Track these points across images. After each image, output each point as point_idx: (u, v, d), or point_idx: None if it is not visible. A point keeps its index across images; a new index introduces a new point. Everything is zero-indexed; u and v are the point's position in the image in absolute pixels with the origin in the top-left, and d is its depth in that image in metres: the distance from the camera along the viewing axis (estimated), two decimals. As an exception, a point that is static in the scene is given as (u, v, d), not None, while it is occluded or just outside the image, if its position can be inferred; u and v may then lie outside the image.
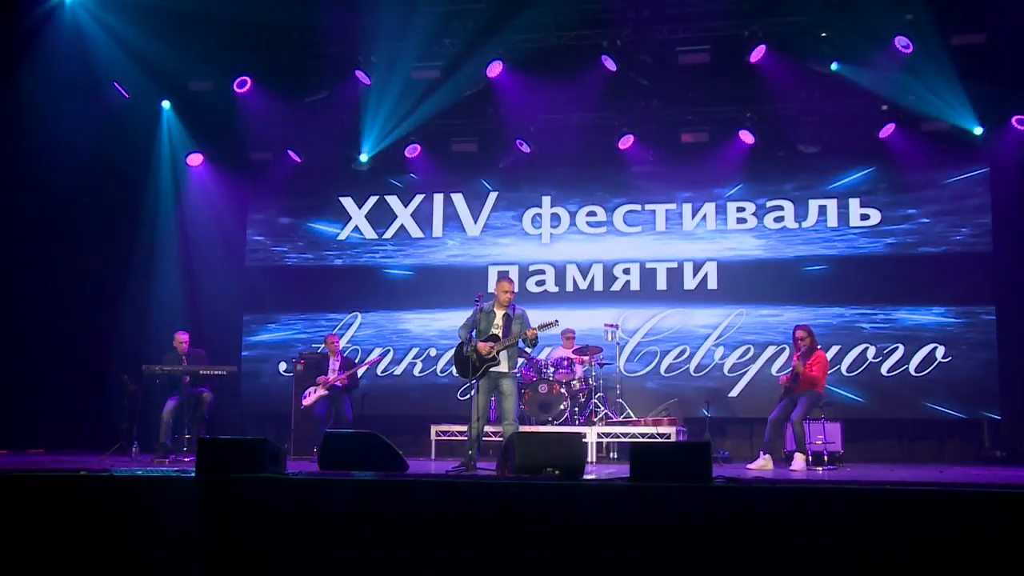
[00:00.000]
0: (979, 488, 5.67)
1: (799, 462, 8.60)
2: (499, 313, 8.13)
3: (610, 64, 10.65)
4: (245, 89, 11.32)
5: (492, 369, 7.96)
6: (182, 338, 10.17)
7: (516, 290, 8.31)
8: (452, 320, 12.17)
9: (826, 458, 8.88)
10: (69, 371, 12.09)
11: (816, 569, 5.30)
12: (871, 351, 11.81)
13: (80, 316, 12.41)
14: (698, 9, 10.14)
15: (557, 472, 6.20)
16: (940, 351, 11.63)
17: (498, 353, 7.91)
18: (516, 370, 8.27)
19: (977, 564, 5.15)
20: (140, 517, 5.97)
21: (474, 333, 8.11)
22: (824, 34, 10.10)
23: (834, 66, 10.35)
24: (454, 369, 8.44)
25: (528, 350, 8.73)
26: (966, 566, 5.17)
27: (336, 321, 13.02)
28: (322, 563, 5.78)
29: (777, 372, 11.61)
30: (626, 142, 11.87)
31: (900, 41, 9.94)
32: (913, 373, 11.68)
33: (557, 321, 8.25)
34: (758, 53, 10.26)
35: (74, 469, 6.58)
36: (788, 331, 11.67)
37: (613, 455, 11.08)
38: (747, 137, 11.66)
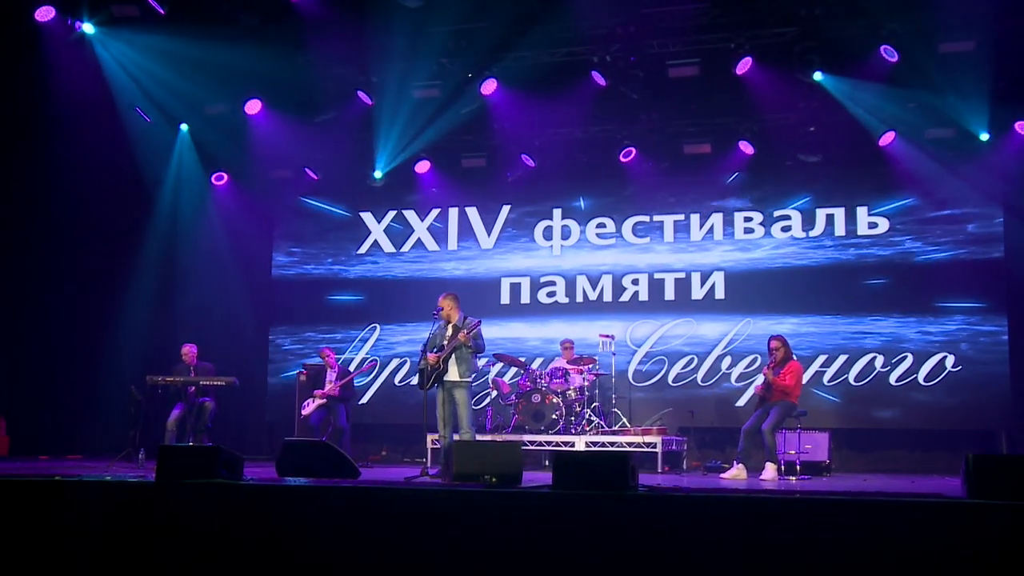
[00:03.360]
0: (897, 498, 5.74)
1: (769, 471, 8.67)
2: (449, 325, 8.49)
3: (599, 79, 10.84)
4: (257, 111, 11.82)
5: (444, 379, 8.31)
6: (188, 350, 10.69)
7: (453, 304, 8.65)
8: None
9: (798, 467, 8.91)
10: (102, 381, 12.77)
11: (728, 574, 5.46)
12: (879, 360, 11.74)
13: (112, 331, 13.12)
14: (685, 23, 10.26)
15: (494, 480, 6.43)
16: (950, 360, 11.50)
17: (444, 362, 8.26)
18: (471, 379, 8.58)
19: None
20: (105, 518, 6.43)
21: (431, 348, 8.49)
22: (811, 44, 10.10)
23: (817, 76, 10.36)
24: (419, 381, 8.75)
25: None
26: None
27: (357, 333, 13.46)
28: (270, 562, 6.15)
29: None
30: (628, 155, 12.04)
31: (886, 50, 9.92)
32: (922, 383, 11.56)
33: (480, 322, 8.58)
34: (744, 65, 10.34)
35: (51, 474, 7.10)
36: (798, 339, 11.81)
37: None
38: (747, 148, 11.72)
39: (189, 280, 13.51)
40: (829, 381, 11.79)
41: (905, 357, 11.66)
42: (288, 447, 7.11)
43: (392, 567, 5.91)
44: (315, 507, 6.23)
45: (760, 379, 9.22)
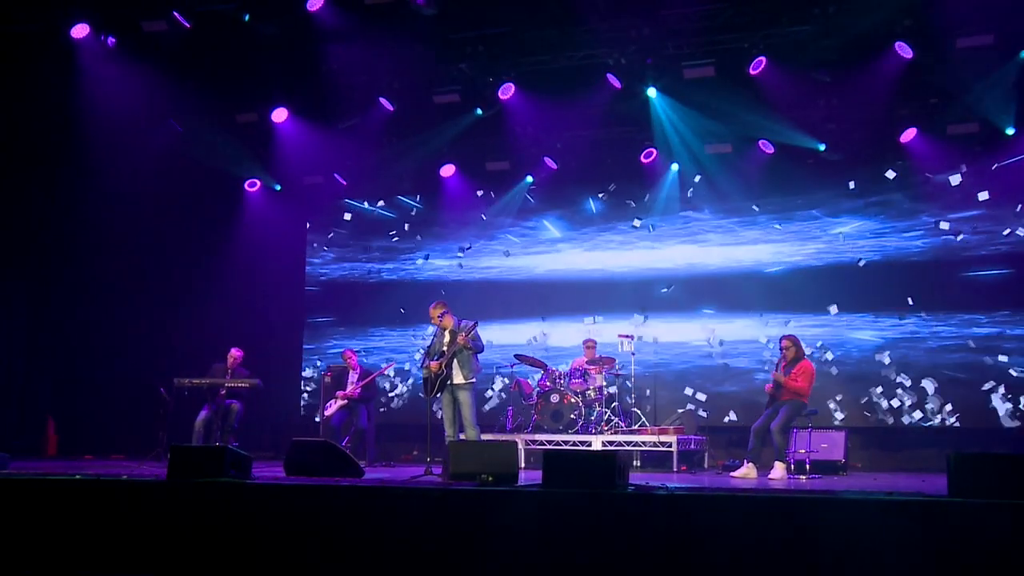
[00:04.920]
0: (877, 496, 5.76)
1: (778, 470, 8.69)
2: (446, 332, 8.71)
3: (615, 82, 10.94)
4: (283, 119, 12.14)
5: (449, 383, 8.52)
6: (236, 354, 11.03)
7: (445, 311, 8.92)
8: (499, 333, 12.79)
9: (808, 466, 8.90)
10: (145, 383, 13.18)
11: (710, 571, 5.55)
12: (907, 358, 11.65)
13: (153, 334, 13.58)
14: (700, 24, 10.30)
15: (490, 478, 6.59)
16: (988, 359, 11.33)
17: (446, 366, 8.46)
18: (473, 379, 8.79)
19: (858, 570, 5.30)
20: (118, 515, 6.74)
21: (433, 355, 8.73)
22: (826, 43, 10.08)
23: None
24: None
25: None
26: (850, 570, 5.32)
27: (391, 333, 13.72)
28: (274, 557, 6.38)
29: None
30: (649, 155, 12.11)
31: (900, 47, 9.86)
32: (954, 382, 11.44)
33: (476, 323, 8.81)
34: (758, 65, 10.35)
35: (71, 474, 7.44)
36: (827, 339, 11.81)
37: (636, 463, 11.33)
38: (767, 147, 11.72)
39: (227, 285, 13.87)
40: (864, 379, 11.74)
41: (936, 356, 11.52)
42: (295, 447, 7.36)
43: (387, 562, 6.10)
44: (316, 505, 6.45)
45: (779, 376, 9.20)
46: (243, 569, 6.38)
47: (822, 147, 11.64)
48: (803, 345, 9.29)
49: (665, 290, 12.61)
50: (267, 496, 6.61)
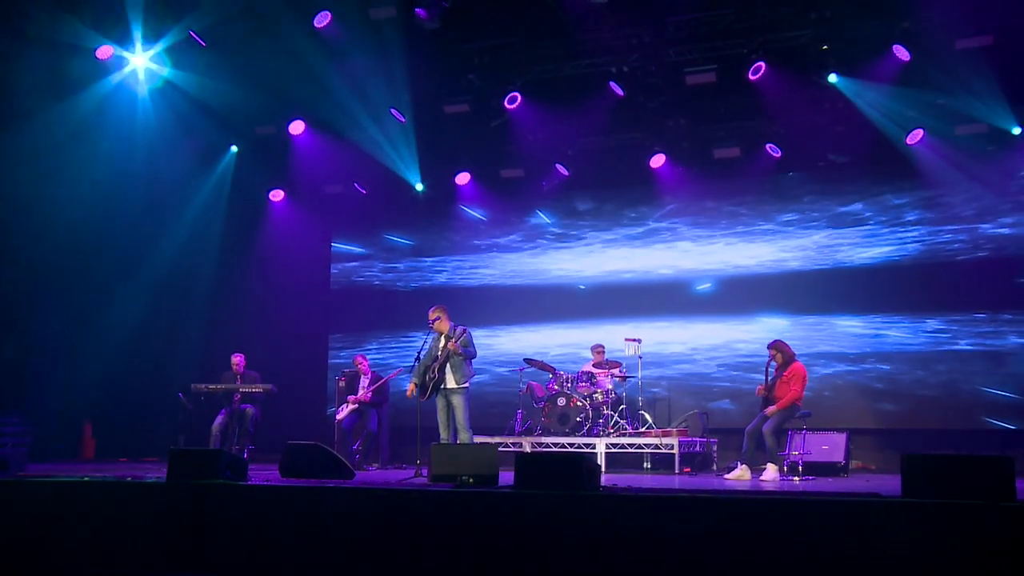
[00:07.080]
0: (834, 497, 5.88)
1: (770, 472, 8.78)
2: (440, 337, 8.91)
3: (617, 89, 11.10)
4: (300, 132, 12.50)
5: (442, 387, 8.76)
6: (238, 360, 11.40)
7: (442, 315, 9.07)
8: (511, 336, 13.00)
9: (800, 468, 8.97)
10: (179, 388, 13.67)
11: (670, 570, 5.72)
12: (918, 361, 11.63)
13: (186, 342, 14.06)
14: (700, 31, 10.42)
15: (470, 480, 6.83)
16: (1008, 360, 11.28)
17: (439, 371, 8.68)
18: (467, 383, 8.98)
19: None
20: (121, 515, 7.10)
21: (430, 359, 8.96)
22: (825, 47, 10.14)
23: (832, 78, 10.39)
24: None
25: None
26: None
27: (412, 338, 14.00)
28: (265, 553, 6.69)
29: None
30: (657, 161, 12.23)
31: (898, 49, 9.88)
32: (964, 384, 11.41)
33: (465, 329, 9.00)
34: (757, 70, 10.43)
35: (80, 476, 7.85)
36: (836, 341, 11.85)
37: (647, 465, 11.46)
38: (774, 151, 11.78)
39: (254, 292, 14.29)
40: (877, 381, 11.75)
41: (949, 357, 11.49)
42: (288, 450, 7.66)
43: (370, 559, 6.37)
44: (304, 505, 6.76)
45: (770, 373, 9.29)
46: (238, 566, 6.71)
47: (830, 149, 11.67)
48: (790, 348, 9.35)
49: (706, 286, 12.68)
50: (258, 496, 6.94)
